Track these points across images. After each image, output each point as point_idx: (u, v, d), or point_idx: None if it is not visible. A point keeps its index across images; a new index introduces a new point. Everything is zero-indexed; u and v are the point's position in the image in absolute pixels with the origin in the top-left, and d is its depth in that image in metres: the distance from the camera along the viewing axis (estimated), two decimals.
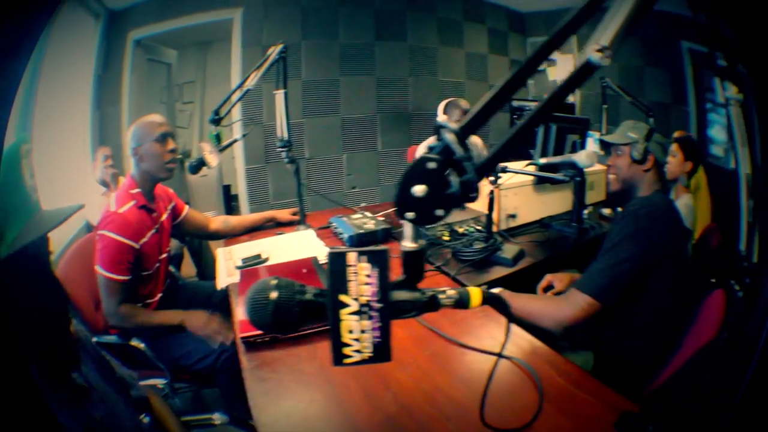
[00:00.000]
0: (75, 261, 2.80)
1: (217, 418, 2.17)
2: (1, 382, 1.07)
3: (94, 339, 2.65)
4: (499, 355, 1.37)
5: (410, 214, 0.98)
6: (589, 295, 2.17)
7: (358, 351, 0.97)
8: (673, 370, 2.11)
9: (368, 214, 3.35)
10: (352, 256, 0.92)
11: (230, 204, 6.42)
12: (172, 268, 3.36)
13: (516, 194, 3.50)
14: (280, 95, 3.23)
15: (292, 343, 1.96)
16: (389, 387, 1.70)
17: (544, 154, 3.44)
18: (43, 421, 1.16)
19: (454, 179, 0.96)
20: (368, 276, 0.93)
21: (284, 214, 3.54)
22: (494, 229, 3.24)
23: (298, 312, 0.97)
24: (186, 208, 3.23)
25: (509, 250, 2.94)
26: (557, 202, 3.83)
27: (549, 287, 2.78)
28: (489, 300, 1.11)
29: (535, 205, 3.68)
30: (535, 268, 2.95)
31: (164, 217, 2.97)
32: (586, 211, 3.62)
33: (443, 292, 1.07)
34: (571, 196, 3.57)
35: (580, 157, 2.77)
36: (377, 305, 0.94)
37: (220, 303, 2.97)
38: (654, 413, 1.49)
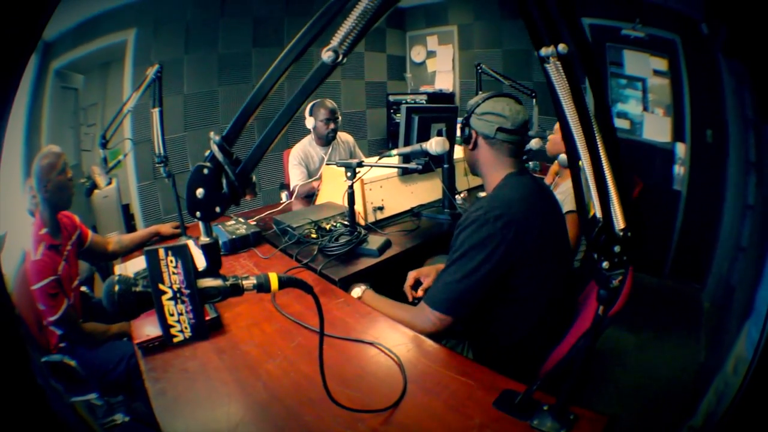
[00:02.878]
0: (19, 290, 2.84)
1: (119, 418, 2.26)
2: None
3: (43, 359, 2.81)
4: (321, 334, 1.47)
5: (197, 213, 1.18)
6: (437, 311, 2.12)
7: (180, 331, 1.14)
8: (567, 348, 2.09)
9: (241, 219, 3.43)
10: (161, 252, 1.10)
11: (130, 222, 6.43)
12: (85, 289, 3.45)
13: (381, 186, 3.55)
14: (155, 113, 3.27)
15: (177, 345, 2.07)
16: (260, 377, 1.81)
17: (407, 145, 3.45)
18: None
19: (225, 182, 1.18)
20: (176, 267, 1.10)
21: (167, 228, 3.62)
22: (361, 222, 3.35)
23: (135, 300, 1.13)
24: (90, 235, 3.29)
25: (375, 241, 3.01)
26: (427, 190, 3.88)
27: (418, 283, 2.68)
28: (287, 282, 1.27)
29: (403, 195, 3.73)
30: (406, 255, 3.03)
31: (69, 246, 3.02)
32: (459, 197, 3.70)
33: (246, 278, 1.22)
34: (439, 185, 3.67)
35: (430, 145, 2.75)
36: (186, 291, 1.12)
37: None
38: (548, 390, 1.61)
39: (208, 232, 1.24)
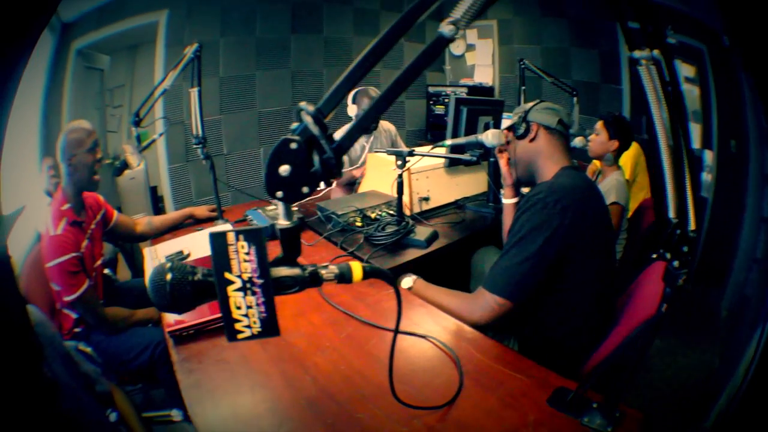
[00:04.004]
0: (29, 272, 2.78)
1: (175, 414, 2.19)
2: None
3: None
4: (396, 331, 1.35)
5: (279, 193, 1.03)
6: (497, 295, 2.08)
7: (248, 326, 1.02)
8: (612, 348, 2.08)
9: None
10: (231, 236, 0.97)
11: (157, 205, 6.36)
12: (108, 272, 3.37)
13: (428, 177, 3.52)
14: (194, 93, 3.23)
15: (215, 333, 1.98)
16: (308, 371, 1.73)
17: (455, 137, 3.37)
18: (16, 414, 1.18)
19: (316, 158, 1.02)
20: (247, 254, 0.97)
21: (202, 211, 3.56)
22: (407, 212, 3.28)
23: (191, 291, 1.01)
24: (116, 214, 3.22)
25: (422, 232, 2.96)
26: (472, 183, 3.87)
27: None
28: (371, 273, 1.15)
29: (448, 187, 3.70)
30: (451, 248, 2.97)
31: (93, 225, 2.98)
32: (503, 190, 3.66)
33: (325, 267, 1.11)
34: (485, 177, 3.66)
35: (486, 137, 2.70)
36: (259, 281, 0.99)
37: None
38: (591, 387, 1.56)
39: (289, 214, 1.11)
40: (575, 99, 5.00)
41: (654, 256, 1.37)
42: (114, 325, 2.84)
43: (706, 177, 5.37)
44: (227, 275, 0.99)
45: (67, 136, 2.74)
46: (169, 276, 1.01)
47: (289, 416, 1.53)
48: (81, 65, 5.62)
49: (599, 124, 3.82)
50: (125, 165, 3.04)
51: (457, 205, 3.70)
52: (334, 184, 4.33)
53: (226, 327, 1.02)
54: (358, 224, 3.08)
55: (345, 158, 4.56)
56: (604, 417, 1.48)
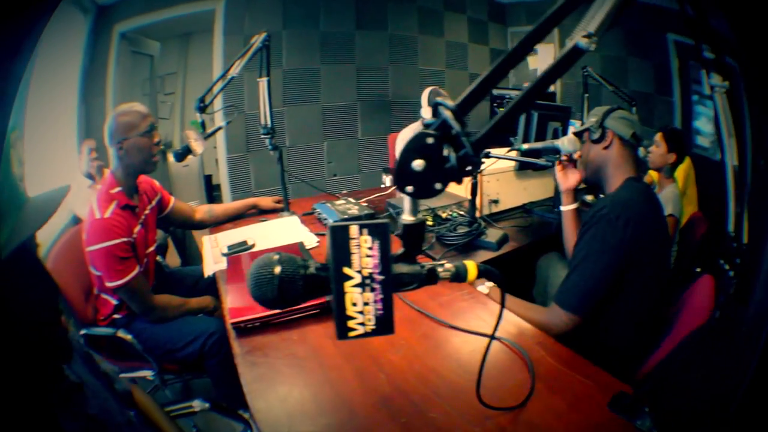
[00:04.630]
0: (63, 254, 2.75)
1: (197, 405, 2.13)
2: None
3: (83, 331, 2.66)
4: (492, 337, 1.38)
5: (409, 188, 0.98)
6: (569, 312, 2.17)
7: (361, 324, 0.98)
8: (664, 354, 2.14)
9: (351, 200, 3.35)
10: (354, 229, 0.92)
11: (212, 193, 6.38)
12: (159, 258, 3.34)
13: (498, 180, 3.51)
14: (263, 83, 3.21)
15: (283, 327, 1.97)
16: (382, 368, 1.71)
17: (525, 141, 3.42)
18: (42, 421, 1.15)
19: (452, 154, 0.97)
20: (370, 248, 0.93)
21: (267, 202, 3.54)
22: (477, 214, 3.25)
23: (302, 286, 0.97)
24: (172, 200, 3.21)
25: (493, 234, 2.94)
26: (539, 188, 3.85)
27: None
28: (484, 273, 1.14)
29: (517, 190, 3.70)
30: (519, 252, 2.95)
31: (148, 211, 2.95)
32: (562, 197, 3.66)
33: (441, 265, 1.09)
34: (552, 183, 3.65)
35: (562, 143, 2.68)
36: (379, 277, 0.95)
37: (206, 289, 3.02)
38: (648, 394, 1.54)
39: (415, 210, 1.07)
40: (634, 109, 4.95)
41: (698, 270, 1.39)
42: (163, 313, 2.79)
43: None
44: (346, 270, 0.94)
45: (116, 119, 2.69)
46: (278, 269, 0.96)
47: (361, 413, 1.52)
48: (127, 49, 5.66)
49: (659, 136, 3.87)
50: (188, 151, 3.00)
51: (524, 209, 3.70)
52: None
53: (337, 324, 0.98)
54: (430, 223, 3.07)
55: None
56: (653, 421, 1.49)
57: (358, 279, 0.95)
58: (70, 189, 1.29)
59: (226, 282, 2.37)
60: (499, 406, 1.48)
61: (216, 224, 3.34)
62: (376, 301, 0.97)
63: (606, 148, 2.43)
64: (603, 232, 2.15)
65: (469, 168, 0.99)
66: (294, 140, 6.01)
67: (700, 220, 3.87)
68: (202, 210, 3.37)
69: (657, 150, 3.86)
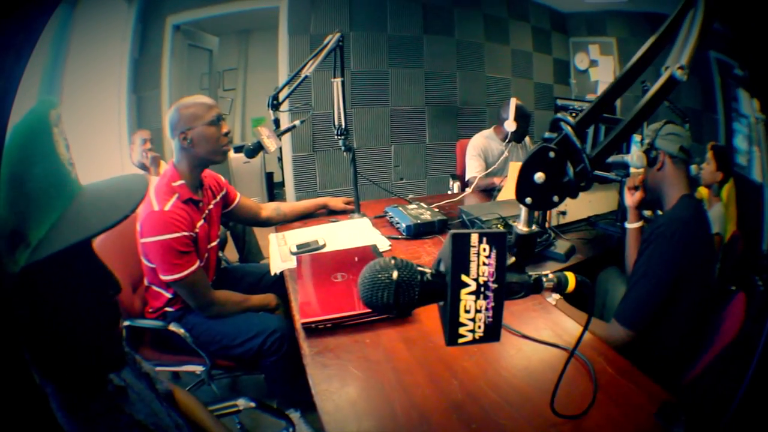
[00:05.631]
0: (109, 243, 2.69)
1: (242, 403, 2.13)
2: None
3: (126, 323, 2.64)
4: (573, 352, 1.43)
5: (528, 199, 1.03)
6: (628, 328, 2.26)
7: (471, 331, 1.00)
8: (702, 367, 2.19)
9: (423, 204, 3.33)
10: (475, 238, 0.95)
11: (272, 191, 6.42)
12: (220, 254, 3.35)
13: None
14: (337, 83, 3.20)
15: (355, 329, 1.98)
16: (455, 375, 1.72)
17: None
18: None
19: (570, 169, 1.00)
20: (488, 257, 0.96)
21: (337, 202, 3.53)
22: (545, 225, 3.24)
23: (420, 292, 0.99)
24: (238, 196, 3.19)
25: (562, 245, 2.94)
26: (603, 201, 3.83)
27: None
28: (581, 284, 1.16)
29: (583, 203, 3.69)
30: (582, 265, 2.95)
31: (212, 206, 2.92)
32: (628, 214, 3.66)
33: (545, 275, 1.12)
34: (615, 197, 3.62)
35: (631, 158, 2.67)
36: (493, 285, 0.97)
37: (270, 286, 3.01)
38: (685, 404, 1.58)
39: (531, 221, 1.11)
40: (687, 125, 4.92)
41: (733, 288, 1.41)
42: (222, 309, 2.74)
43: None
44: (464, 278, 0.97)
45: (179, 111, 2.66)
46: (396, 274, 0.99)
47: (433, 419, 1.53)
48: (183, 42, 5.75)
49: (710, 154, 3.89)
50: (260, 147, 3.00)
51: (589, 221, 3.69)
52: (469, 190, 4.35)
53: (449, 331, 1.01)
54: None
55: (482, 163, 4.61)
56: (685, 428, 1.51)
57: (473, 287, 0.97)
58: (149, 180, 1.17)
59: (297, 280, 2.37)
60: (568, 414, 1.50)
61: (283, 222, 3.35)
62: (487, 309, 0.99)
63: (659, 169, 2.49)
64: (660, 250, 2.26)
65: (583, 183, 1.02)
66: (361, 142, 6.01)
67: (738, 239, 3.87)
68: (270, 207, 3.37)
69: (707, 167, 3.94)
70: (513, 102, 4.47)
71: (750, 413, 1.11)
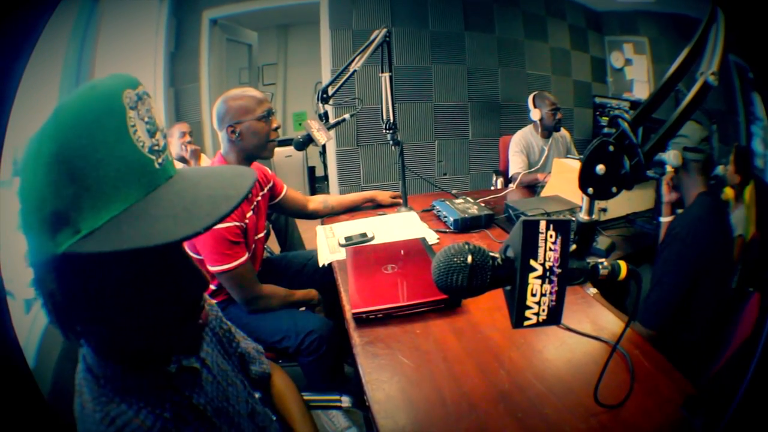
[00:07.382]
0: None
1: (345, 401, 2.15)
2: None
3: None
4: (615, 345, 1.49)
5: (590, 189, 1.10)
6: (649, 329, 2.38)
7: (535, 314, 1.06)
8: (723, 363, 2.22)
9: (470, 199, 3.34)
10: (543, 224, 1.01)
11: (314, 185, 6.45)
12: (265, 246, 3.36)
13: None
14: (385, 78, 3.21)
15: (406, 320, 2.01)
16: (503, 365, 1.75)
17: None
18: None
19: (626, 162, 1.09)
20: (554, 243, 1.02)
21: (384, 196, 3.54)
22: None
23: (491, 275, 1.05)
24: (285, 188, 3.24)
25: (602, 241, 2.95)
26: (640, 198, 3.84)
27: None
28: (631, 273, 1.21)
29: (622, 200, 3.70)
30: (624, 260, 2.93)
31: (259, 197, 2.94)
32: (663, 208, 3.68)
33: (601, 263, 1.17)
34: (653, 195, 3.63)
35: (669, 157, 2.70)
36: (558, 270, 1.03)
37: (313, 274, 3.08)
38: (707, 397, 1.62)
39: (592, 210, 1.17)
40: (714, 126, 4.94)
41: (750, 289, 1.43)
42: (268, 302, 2.73)
43: None
44: (532, 262, 1.03)
45: (227, 103, 2.68)
46: (470, 258, 1.05)
47: (481, 407, 1.56)
48: (221, 37, 5.78)
49: (732, 155, 3.84)
50: (310, 140, 3.04)
51: (627, 219, 3.70)
52: (513, 186, 4.39)
53: (516, 313, 1.06)
54: None
55: (525, 159, 4.67)
56: (704, 421, 1.53)
57: (540, 271, 1.03)
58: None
59: (347, 272, 2.39)
60: (609, 404, 1.54)
61: (329, 215, 3.38)
62: (551, 293, 1.05)
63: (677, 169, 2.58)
64: (677, 252, 2.37)
65: (639, 176, 1.10)
66: (405, 137, 5.83)
67: (758, 241, 3.83)
68: (317, 200, 3.38)
69: (730, 168, 3.89)
70: (532, 95, 4.61)
71: (750, 413, 1.15)
